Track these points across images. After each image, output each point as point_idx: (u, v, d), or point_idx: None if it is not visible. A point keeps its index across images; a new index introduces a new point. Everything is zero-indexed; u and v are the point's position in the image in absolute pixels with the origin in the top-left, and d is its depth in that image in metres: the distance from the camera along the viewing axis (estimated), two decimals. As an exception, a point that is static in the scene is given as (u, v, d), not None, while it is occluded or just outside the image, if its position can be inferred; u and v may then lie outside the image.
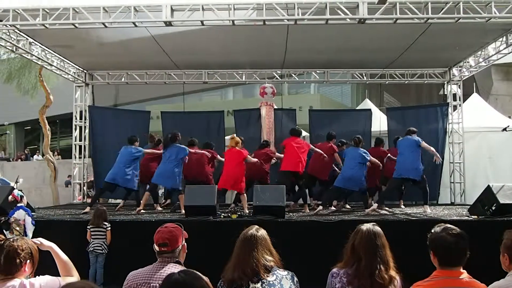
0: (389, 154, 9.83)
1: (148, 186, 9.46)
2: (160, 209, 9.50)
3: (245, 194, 8.72)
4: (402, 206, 9.84)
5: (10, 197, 6.82)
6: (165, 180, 8.90)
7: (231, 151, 8.82)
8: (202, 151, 9.39)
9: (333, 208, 9.32)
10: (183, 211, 7.97)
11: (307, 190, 9.61)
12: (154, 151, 9.58)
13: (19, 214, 6.31)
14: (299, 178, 8.96)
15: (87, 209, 8.59)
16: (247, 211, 8.25)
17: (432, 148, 8.63)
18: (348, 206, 9.91)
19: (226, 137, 11.89)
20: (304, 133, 12.33)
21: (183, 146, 8.89)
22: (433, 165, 11.56)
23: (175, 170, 8.65)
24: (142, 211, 8.47)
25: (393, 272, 2.72)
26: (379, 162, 9.14)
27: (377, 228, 2.85)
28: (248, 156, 8.78)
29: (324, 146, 9.51)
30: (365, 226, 2.86)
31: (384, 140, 10.86)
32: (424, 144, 8.40)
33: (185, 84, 12.81)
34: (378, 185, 9.97)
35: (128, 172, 8.94)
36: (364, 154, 8.70)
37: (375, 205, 8.44)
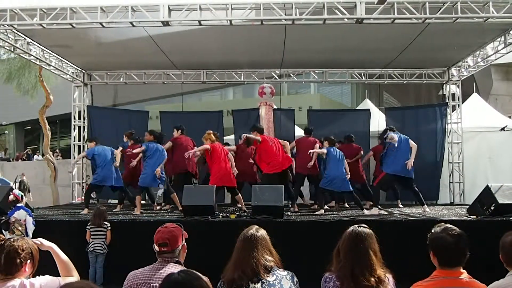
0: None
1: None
2: (159, 208, 9.51)
3: (239, 194, 8.76)
4: (401, 206, 9.84)
5: (11, 196, 6.82)
6: (142, 181, 8.74)
7: (219, 145, 8.71)
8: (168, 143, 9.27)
9: (328, 207, 9.28)
10: (180, 208, 7.97)
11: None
12: (117, 153, 9.27)
13: (20, 214, 6.30)
14: (284, 177, 8.73)
15: (85, 211, 8.58)
16: (245, 209, 8.26)
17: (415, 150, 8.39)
18: (347, 205, 9.91)
19: (225, 137, 11.90)
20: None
21: (161, 148, 8.80)
22: (433, 165, 11.64)
23: (149, 169, 8.58)
24: (141, 211, 8.50)
25: (381, 274, 2.63)
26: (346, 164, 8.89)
27: (362, 230, 2.76)
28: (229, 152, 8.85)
29: (306, 140, 9.47)
30: (349, 229, 2.80)
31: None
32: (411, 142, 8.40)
33: (183, 84, 12.83)
34: (364, 181, 9.95)
35: (113, 171, 8.96)
36: (343, 155, 8.70)
37: (375, 210, 8.29)
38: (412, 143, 8.35)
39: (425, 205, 8.44)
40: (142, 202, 8.94)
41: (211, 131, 8.92)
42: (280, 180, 8.40)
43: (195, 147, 9.15)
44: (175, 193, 8.90)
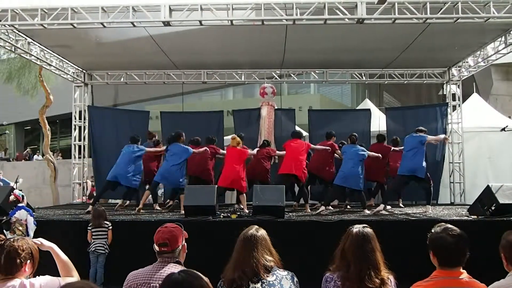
0: (393, 148, 9.86)
1: (147, 185, 9.47)
2: (159, 209, 9.50)
3: (244, 194, 8.73)
4: (401, 205, 9.85)
5: (12, 197, 6.82)
6: (167, 180, 8.91)
7: (233, 150, 8.83)
8: (204, 148, 9.32)
9: (331, 208, 9.30)
10: (182, 211, 7.98)
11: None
12: (156, 149, 9.65)
13: (21, 214, 6.30)
14: (299, 180, 8.93)
15: (90, 208, 8.57)
16: (247, 211, 8.26)
17: (435, 137, 8.95)
18: (348, 206, 9.91)
19: (225, 137, 11.89)
20: (304, 133, 12.34)
21: (186, 147, 8.88)
22: (434, 165, 11.63)
23: (178, 170, 8.63)
24: (142, 210, 8.48)
25: (384, 274, 2.65)
26: (379, 154, 9.13)
27: (367, 231, 2.79)
28: (249, 151, 8.89)
29: (324, 145, 9.52)
30: (355, 229, 2.80)
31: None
32: (429, 137, 8.48)
33: (184, 84, 12.82)
34: (384, 182, 9.95)
35: (130, 171, 8.91)
36: (361, 151, 8.67)
37: (381, 207, 8.39)
38: (429, 139, 8.52)
39: (429, 206, 8.48)
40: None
41: (235, 136, 9.24)
42: (295, 181, 8.93)
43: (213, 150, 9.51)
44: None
